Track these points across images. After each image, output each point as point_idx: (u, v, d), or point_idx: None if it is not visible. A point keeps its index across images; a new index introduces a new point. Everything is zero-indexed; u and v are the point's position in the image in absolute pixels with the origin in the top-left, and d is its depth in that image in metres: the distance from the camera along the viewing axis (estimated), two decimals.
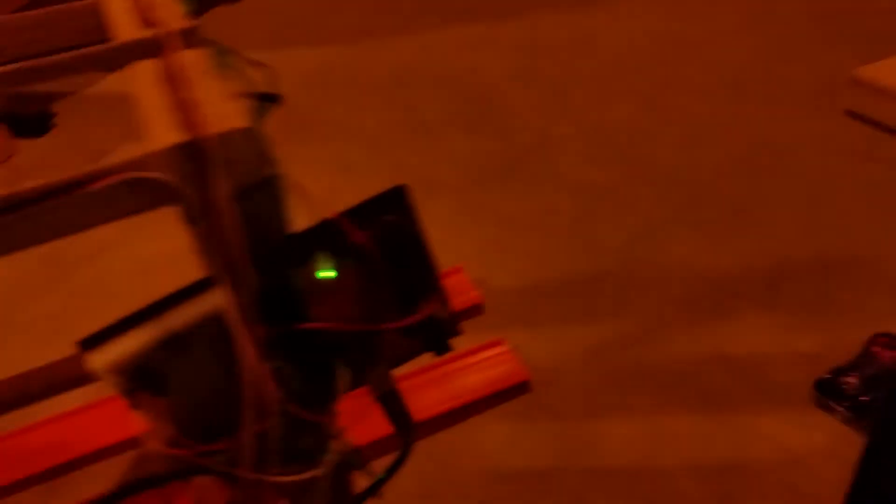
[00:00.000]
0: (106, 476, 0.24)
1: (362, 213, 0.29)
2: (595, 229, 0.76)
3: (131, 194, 0.26)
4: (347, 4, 1.36)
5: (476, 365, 0.53)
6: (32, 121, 0.99)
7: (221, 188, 0.26)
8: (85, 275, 0.71)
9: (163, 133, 0.26)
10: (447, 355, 0.35)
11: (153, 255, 0.72)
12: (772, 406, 0.59)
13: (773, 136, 0.89)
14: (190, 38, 0.33)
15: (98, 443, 0.49)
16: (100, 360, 0.28)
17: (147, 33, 0.33)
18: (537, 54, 1.12)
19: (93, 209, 0.25)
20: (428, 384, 0.39)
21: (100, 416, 0.52)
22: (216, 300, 0.28)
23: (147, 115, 0.29)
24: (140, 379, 0.28)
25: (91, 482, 0.50)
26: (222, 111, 0.27)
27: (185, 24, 0.33)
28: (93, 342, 0.28)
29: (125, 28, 0.38)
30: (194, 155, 0.26)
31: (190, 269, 0.76)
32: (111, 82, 0.90)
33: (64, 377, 0.45)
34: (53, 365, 0.48)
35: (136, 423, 0.47)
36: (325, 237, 0.29)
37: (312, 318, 0.29)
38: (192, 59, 0.31)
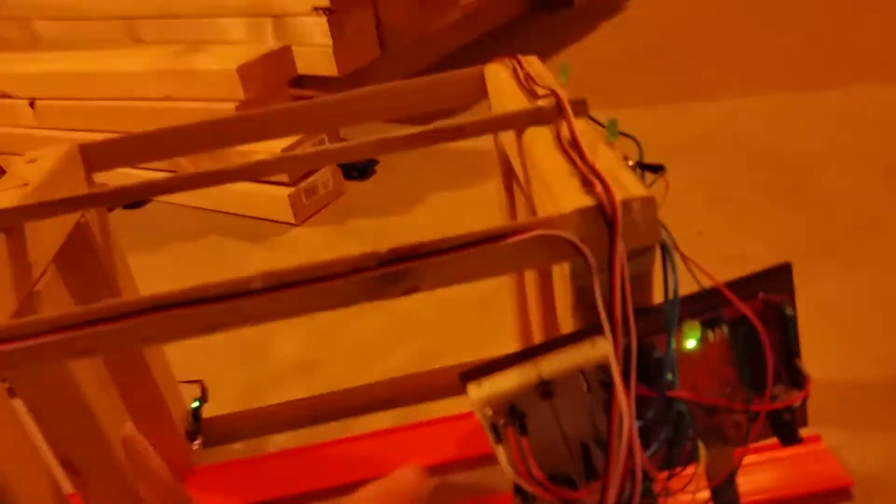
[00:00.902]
0: None
1: (743, 286, 0.29)
2: None
3: (539, 249, 0.28)
4: (645, 65, 1.38)
5: (786, 460, 0.49)
6: (360, 166, 1.13)
7: (620, 251, 0.28)
8: (399, 307, 0.78)
9: (570, 196, 0.29)
10: (756, 444, 0.33)
11: (459, 297, 0.78)
12: None
13: None
14: (579, 109, 0.36)
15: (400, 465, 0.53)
16: (478, 392, 0.31)
17: (545, 102, 0.36)
18: (857, 128, 1.04)
19: (506, 259, 0.29)
20: None
21: (407, 439, 0.56)
22: (588, 354, 0.29)
23: (549, 178, 0.32)
24: (510, 416, 0.30)
25: None
26: (621, 179, 0.29)
27: (574, 96, 0.36)
28: (471, 376, 0.31)
29: (509, 95, 0.42)
30: (598, 219, 0.28)
31: (490, 312, 0.80)
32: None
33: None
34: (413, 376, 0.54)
35: (437, 451, 0.51)
36: (701, 306, 0.29)
37: (669, 384, 0.30)
38: (583, 128, 0.34)
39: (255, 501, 0.51)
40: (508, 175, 0.49)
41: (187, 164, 1.04)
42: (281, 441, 0.61)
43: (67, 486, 0.38)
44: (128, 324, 0.29)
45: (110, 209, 0.47)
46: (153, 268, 0.99)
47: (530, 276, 0.46)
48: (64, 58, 1.33)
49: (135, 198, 0.39)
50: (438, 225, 0.94)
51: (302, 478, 0.52)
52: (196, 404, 0.53)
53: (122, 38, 1.56)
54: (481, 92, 0.50)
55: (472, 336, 0.73)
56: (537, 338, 0.49)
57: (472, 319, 0.75)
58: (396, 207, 1.03)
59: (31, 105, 1.28)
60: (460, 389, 0.57)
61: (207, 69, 1.05)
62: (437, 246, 0.29)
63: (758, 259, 0.73)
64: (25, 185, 0.41)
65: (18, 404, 0.35)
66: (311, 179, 1.04)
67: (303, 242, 1.00)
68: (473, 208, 0.98)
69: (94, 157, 0.48)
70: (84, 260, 0.44)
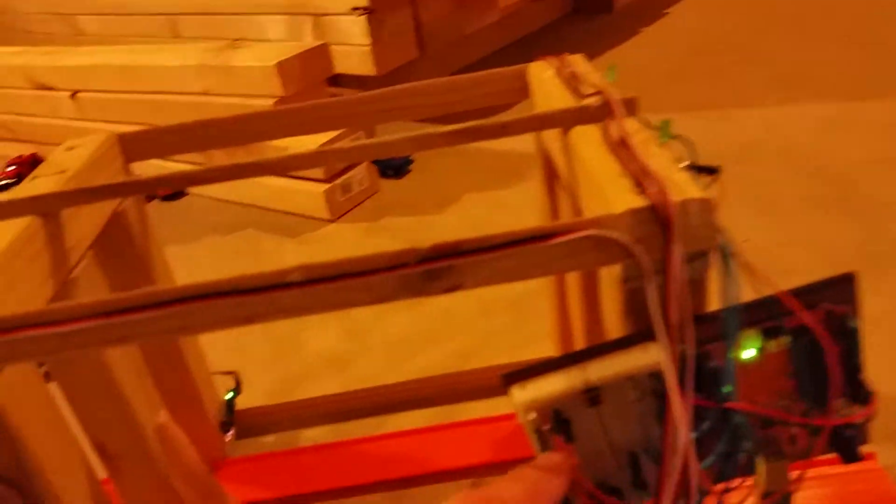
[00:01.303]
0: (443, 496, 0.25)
1: (804, 296, 0.28)
2: None
3: (587, 250, 0.27)
4: (686, 72, 1.36)
5: (838, 477, 0.47)
6: (395, 164, 1.12)
7: (676, 254, 0.26)
8: (434, 306, 0.77)
9: (622, 197, 0.28)
10: (804, 460, 0.32)
11: (495, 298, 0.77)
12: None
13: None
14: (630, 107, 0.34)
15: (444, 464, 0.52)
16: (521, 394, 0.29)
17: (593, 100, 0.35)
18: None
19: (553, 260, 0.27)
20: None
21: (441, 439, 0.55)
22: (639, 361, 0.28)
23: (599, 177, 0.31)
24: (555, 421, 0.29)
25: (431, 500, 0.53)
26: (676, 180, 0.28)
27: (625, 95, 0.35)
28: (515, 378, 0.30)
29: (555, 94, 0.41)
30: (652, 220, 0.27)
31: (526, 313, 0.79)
32: None
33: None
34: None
35: (479, 450, 0.50)
36: (759, 314, 0.28)
37: (727, 396, 0.29)
38: (634, 128, 0.33)
39: (286, 495, 0.51)
40: (550, 176, 0.47)
41: (223, 159, 1.05)
42: (313, 435, 0.61)
43: (101, 472, 0.38)
44: (166, 312, 0.28)
45: (148, 199, 0.47)
46: (189, 260, 0.99)
47: (573, 278, 0.45)
48: (105, 52, 1.35)
49: (172, 187, 0.39)
50: (473, 226, 0.93)
51: (334, 473, 0.51)
52: (230, 396, 0.53)
53: (162, 34, 1.58)
54: (522, 92, 0.49)
55: (508, 338, 0.72)
56: (578, 342, 0.48)
57: (508, 321, 0.74)
58: (431, 207, 1.02)
59: (72, 97, 1.30)
60: (495, 391, 0.56)
61: (246, 65, 1.05)
62: (481, 243, 0.28)
63: (807, 270, 0.71)
64: (64, 171, 0.41)
65: (54, 389, 0.35)
66: (346, 176, 1.04)
67: (337, 238, 1.00)
68: (509, 210, 0.97)
69: (133, 146, 0.47)
70: (121, 249, 0.44)
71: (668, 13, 1.77)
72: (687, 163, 0.32)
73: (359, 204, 1.07)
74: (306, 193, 1.04)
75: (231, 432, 0.52)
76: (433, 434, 0.54)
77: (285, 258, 0.97)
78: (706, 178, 0.32)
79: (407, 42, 1.28)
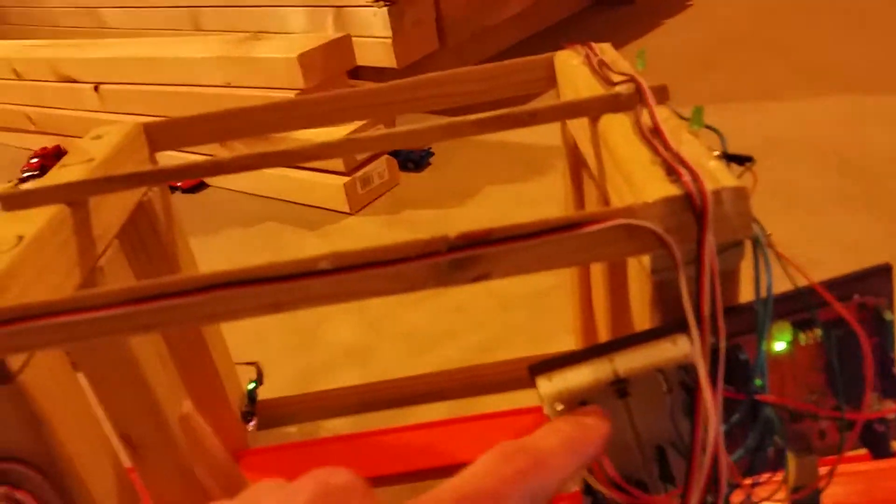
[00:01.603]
0: None
1: (837, 287, 0.27)
2: None
3: (618, 240, 0.27)
4: (710, 64, 1.34)
5: (866, 473, 0.46)
6: (416, 157, 1.12)
7: (710, 244, 0.26)
8: (451, 299, 0.77)
9: (654, 185, 0.27)
10: (834, 455, 0.31)
11: (514, 292, 0.76)
12: None
13: None
14: (661, 95, 0.34)
15: (464, 457, 0.52)
16: (548, 386, 0.29)
17: (623, 88, 0.35)
18: None
19: (583, 249, 0.27)
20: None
21: (462, 432, 0.55)
22: (669, 353, 0.28)
23: (629, 166, 0.30)
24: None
25: None
26: (709, 169, 0.28)
27: (654, 83, 0.35)
28: (541, 369, 0.30)
29: (583, 82, 0.40)
30: (685, 209, 0.26)
31: (545, 307, 0.78)
32: None
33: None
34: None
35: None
36: (792, 306, 0.28)
37: (758, 389, 0.28)
38: (664, 116, 0.32)
39: None
40: (577, 165, 0.47)
41: (244, 151, 1.05)
42: (333, 426, 0.61)
43: (125, 461, 0.38)
44: (194, 299, 0.28)
45: (172, 190, 0.47)
46: (209, 251, 1.00)
47: (597, 269, 0.44)
48: (128, 44, 1.36)
49: (200, 175, 0.39)
50: (494, 218, 0.93)
51: (356, 464, 0.51)
52: (252, 386, 0.53)
53: (184, 27, 1.59)
54: (549, 81, 0.49)
55: (527, 332, 0.72)
56: (602, 335, 0.47)
57: (527, 316, 0.74)
58: (451, 200, 1.02)
59: (96, 89, 1.31)
60: (515, 384, 0.56)
61: (269, 57, 1.05)
62: (511, 232, 0.27)
63: (832, 265, 0.70)
64: (91, 160, 0.41)
65: (81, 378, 0.35)
66: (366, 169, 1.04)
67: (357, 231, 1.00)
68: (531, 203, 0.96)
69: (158, 136, 0.48)
70: (146, 238, 0.44)
71: (691, 4, 1.75)
72: (719, 152, 0.31)
73: (378, 197, 1.07)
74: (326, 186, 1.04)
75: (253, 423, 0.53)
76: (454, 426, 0.54)
77: (306, 250, 0.97)
78: (738, 168, 0.32)
79: (428, 34, 1.28)
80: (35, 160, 1.33)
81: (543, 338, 0.69)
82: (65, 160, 0.42)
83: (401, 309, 0.78)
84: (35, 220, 0.34)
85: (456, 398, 0.54)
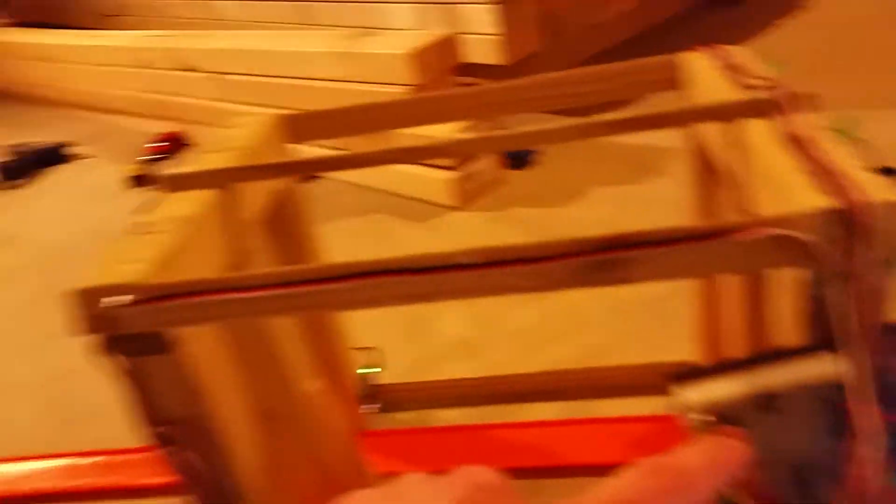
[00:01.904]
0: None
1: None
2: None
3: (767, 250, 0.27)
4: (834, 68, 1.28)
5: None
6: (521, 154, 1.12)
7: (866, 260, 0.25)
8: (562, 300, 0.76)
9: (806, 196, 0.27)
10: None
11: (629, 296, 0.75)
12: None
13: None
14: (807, 103, 0.33)
15: (577, 459, 0.51)
16: (692, 396, 0.29)
17: (764, 93, 0.34)
18: None
19: (729, 257, 0.27)
20: None
21: (574, 434, 0.54)
22: (820, 370, 0.27)
23: (776, 174, 0.30)
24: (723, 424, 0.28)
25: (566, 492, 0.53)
26: (863, 180, 0.27)
27: (800, 89, 0.34)
28: (684, 378, 0.29)
29: (716, 86, 0.40)
30: (840, 222, 0.26)
31: (662, 314, 0.74)
32: None
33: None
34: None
35: (612, 450, 0.49)
36: None
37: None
38: (811, 124, 0.32)
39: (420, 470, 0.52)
40: (705, 170, 0.46)
41: (360, 144, 1.08)
42: (444, 416, 0.62)
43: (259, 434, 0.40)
44: (341, 286, 0.30)
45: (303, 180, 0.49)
46: (326, 240, 1.03)
47: (730, 279, 0.43)
48: (246, 36, 1.42)
49: (339, 168, 0.41)
50: (601, 220, 0.92)
51: (468, 455, 0.52)
52: (372, 370, 0.55)
53: (293, 20, 1.64)
54: (668, 83, 0.48)
55: (642, 338, 0.70)
56: (731, 347, 0.46)
57: (642, 322, 0.72)
58: (556, 199, 1.01)
59: (217, 78, 1.38)
60: (628, 390, 0.55)
61: (385, 53, 1.08)
62: (655, 237, 0.27)
63: None
64: (233, 148, 0.44)
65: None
66: (473, 165, 1.05)
67: (463, 226, 1.01)
68: (638, 205, 0.95)
69: (294, 128, 0.50)
70: (284, 225, 0.46)
71: (808, 5, 1.68)
72: (871, 163, 0.30)
73: (484, 193, 1.07)
74: (434, 180, 1.05)
75: (370, 406, 0.54)
76: (566, 427, 0.54)
77: (414, 242, 1.00)
78: (887, 180, 0.31)
79: (536, 31, 1.27)
80: (158, 144, 1.41)
81: (660, 345, 0.68)
82: (207, 147, 0.45)
83: (511, 306, 0.79)
84: (192, 202, 0.36)
85: (571, 399, 0.53)
